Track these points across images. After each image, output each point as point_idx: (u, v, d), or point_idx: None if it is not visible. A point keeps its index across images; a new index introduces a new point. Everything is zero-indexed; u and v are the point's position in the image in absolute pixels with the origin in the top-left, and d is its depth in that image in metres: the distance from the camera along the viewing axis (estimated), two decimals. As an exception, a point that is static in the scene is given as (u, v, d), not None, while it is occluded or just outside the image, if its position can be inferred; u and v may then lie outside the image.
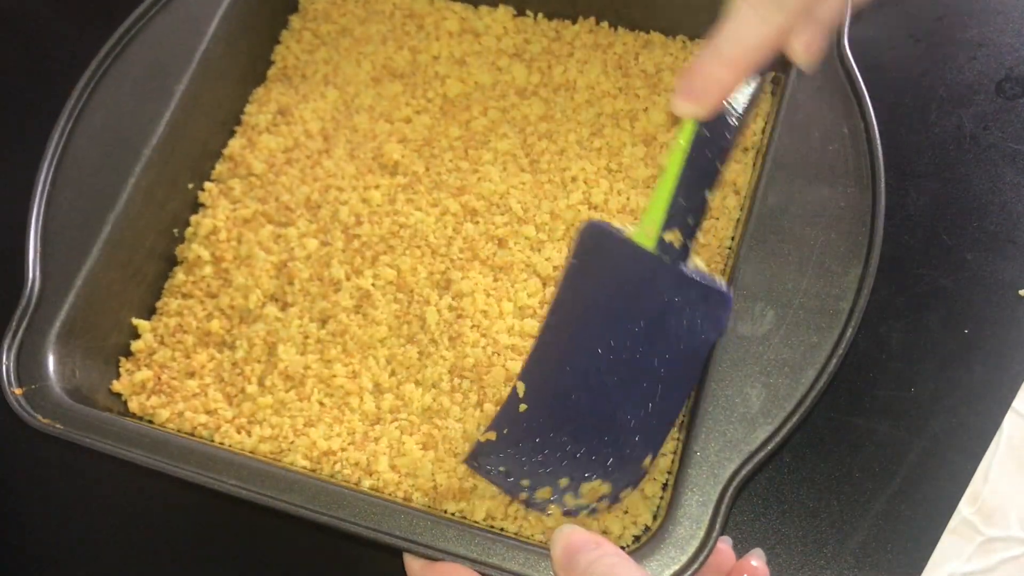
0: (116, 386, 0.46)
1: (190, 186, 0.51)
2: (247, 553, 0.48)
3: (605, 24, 0.54)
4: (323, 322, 0.47)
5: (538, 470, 0.41)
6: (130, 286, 0.47)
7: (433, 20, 0.55)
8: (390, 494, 0.42)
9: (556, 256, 0.47)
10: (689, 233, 0.38)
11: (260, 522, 0.48)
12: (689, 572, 0.36)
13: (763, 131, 0.49)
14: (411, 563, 0.38)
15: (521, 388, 0.41)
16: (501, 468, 0.42)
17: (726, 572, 0.39)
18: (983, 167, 0.51)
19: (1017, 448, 0.45)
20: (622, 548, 0.36)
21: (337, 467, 0.43)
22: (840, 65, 0.44)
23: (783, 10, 0.35)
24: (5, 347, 0.43)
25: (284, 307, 0.48)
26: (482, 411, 0.44)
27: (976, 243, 0.49)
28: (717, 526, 0.37)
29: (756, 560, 0.40)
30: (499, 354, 0.45)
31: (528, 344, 0.45)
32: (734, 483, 0.38)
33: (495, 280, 0.47)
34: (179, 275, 0.49)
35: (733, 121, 0.36)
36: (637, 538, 0.40)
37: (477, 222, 0.49)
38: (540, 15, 0.54)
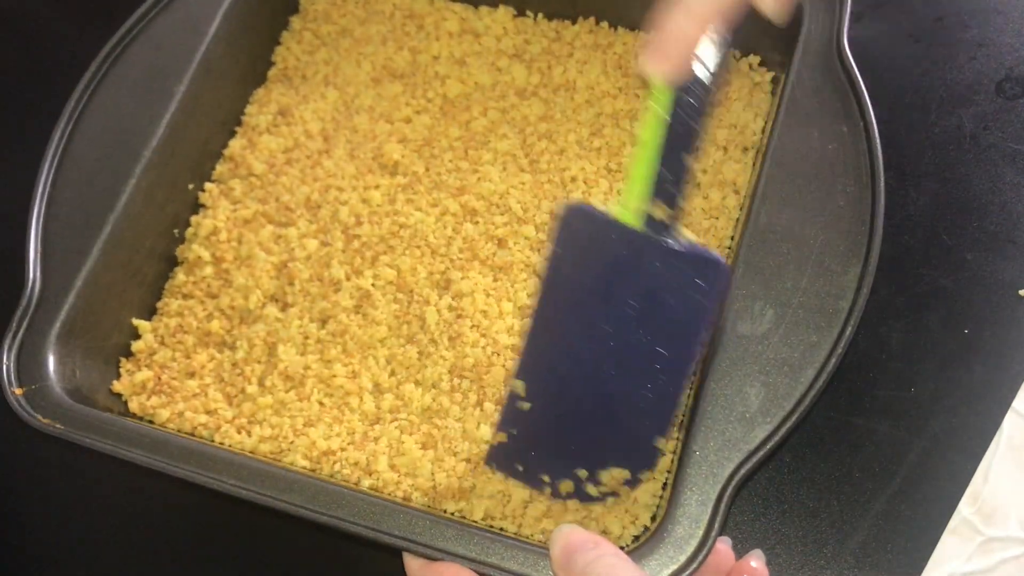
0: (116, 386, 0.46)
1: (190, 186, 0.51)
2: (247, 553, 0.48)
3: (605, 24, 0.54)
4: (323, 322, 0.47)
5: (554, 464, 0.41)
6: (130, 286, 0.48)
7: (433, 20, 0.55)
8: (389, 494, 0.42)
9: (556, 256, 0.47)
10: (673, 203, 0.37)
11: (260, 522, 0.48)
12: (688, 572, 0.36)
13: (763, 131, 0.49)
14: (410, 563, 0.38)
15: (520, 387, 0.41)
16: (520, 467, 0.42)
17: (725, 572, 0.39)
18: (983, 167, 0.51)
19: (1017, 448, 0.45)
20: (621, 548, 0.36)
21: (337, 467, 0.43)
22: (840, 65, 0.44)
23: None
24: (5, 347, 0.43)
25: (284, 307, 0.48)
26: (482, 411, 0.44)
27: (976, 243, 0.49)
28: (716, 525, 0.37)
29: (756, 561, 0.40)
30: (499, 354, 0.45)
31: (528, 344, 0.45)
32: (733, 482, 0.38)
33: (495, 280, 0.47)
34: (179, 275, 0.49)
35: (706, 82, 0.35)
36: (636, 538, 0.40)
37: (477, 222, 0.49)
38: (540, 15, 0.54)
